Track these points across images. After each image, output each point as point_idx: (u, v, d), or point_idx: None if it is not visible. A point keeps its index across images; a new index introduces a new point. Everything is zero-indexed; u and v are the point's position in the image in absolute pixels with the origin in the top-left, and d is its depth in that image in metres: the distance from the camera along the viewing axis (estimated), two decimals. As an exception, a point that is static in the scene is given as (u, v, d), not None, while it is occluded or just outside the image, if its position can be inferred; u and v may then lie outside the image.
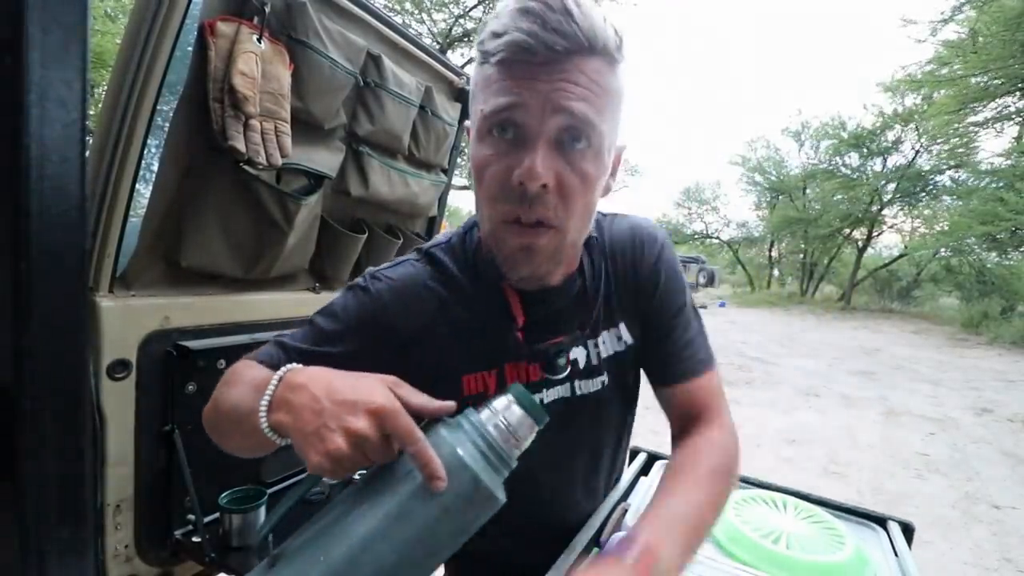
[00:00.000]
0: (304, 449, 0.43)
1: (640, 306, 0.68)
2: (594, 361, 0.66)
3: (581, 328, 0.64)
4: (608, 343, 0.67)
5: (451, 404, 0.47)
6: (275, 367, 0.55)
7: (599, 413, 0.69)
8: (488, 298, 0.63)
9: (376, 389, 0.44)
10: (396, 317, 0.61)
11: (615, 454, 0.79)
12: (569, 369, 0.64)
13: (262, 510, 1.06)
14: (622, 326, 0.67)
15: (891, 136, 16.81)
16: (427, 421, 0.47)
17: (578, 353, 0.65)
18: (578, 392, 0.66)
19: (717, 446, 0.63)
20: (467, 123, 0.59)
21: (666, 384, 0.67)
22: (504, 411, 0.47)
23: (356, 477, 0.47)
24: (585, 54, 0.48)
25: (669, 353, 0.67)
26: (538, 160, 0.49)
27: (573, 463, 0.71)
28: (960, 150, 14.22)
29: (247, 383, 0.54)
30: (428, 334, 0.61)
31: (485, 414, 0.47)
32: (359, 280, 0.64)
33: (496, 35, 0.48)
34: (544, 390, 0.64)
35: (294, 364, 0.50)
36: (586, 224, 0.57)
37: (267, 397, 0.47)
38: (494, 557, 0.76)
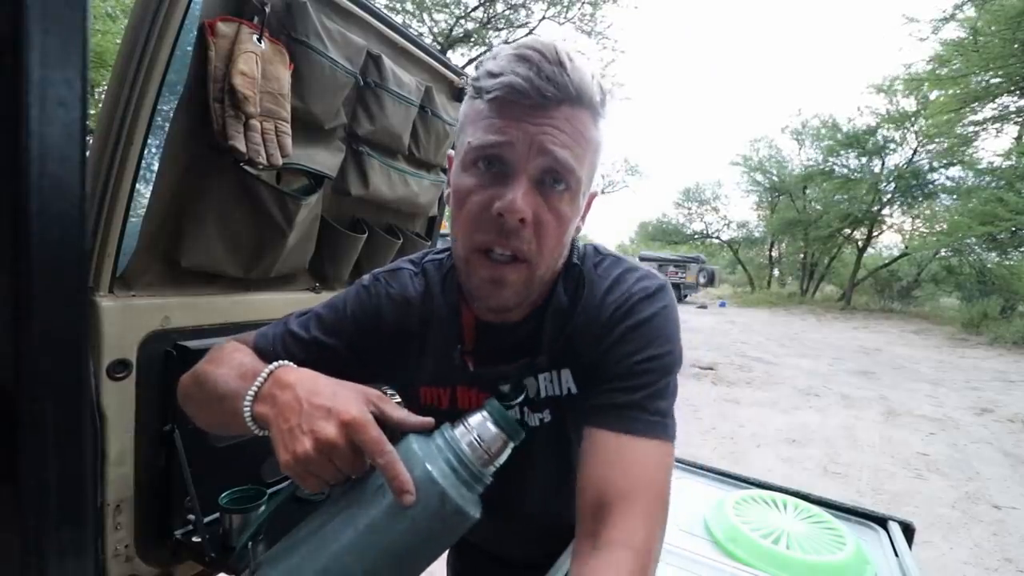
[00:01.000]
0: (276, 446, 0.46)
1: (593, 354, 0.60)
2: (540, 394, 0.64)
3: (530, 357, 0.62)
4: (554, 383, 0.64)
5: (429, 420, 0.49)
6: (269, 351, 0.63)
7: (550, 445, 0.66)
8: (448, 319, 0.66)
9: (352, 400, 0.46)
10: (384, 323, 0.65)
11: (549, 505, 0.72)
12: (520, 397, 0.64)
13: (262, 510, 1.06)
14: (567, 373, 0.63)
15: (887, 136, 16.80)
16: (404, 436, 0.48)
17: (529, 383, 0.64)
18: (529, 423, 0.65)
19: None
20: (450, 152, 0.62)
21: (583, 428, 0.57)
22: (478, 427, 0.48)
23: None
24: (573, 104, 0.52)
25: (598, 395, 0.58)
26: (519, 195, 0.51)
27: (525, 493, 0.69)
28: (963, 148, 14.21)
29: (235, 367, 0.57)
30: (403, 343, 0.66)
31: (459, 430, 0.48)
32: (364, 279, 0.70)
33: (492, 75, 0.51)
34: None
35: (286, 361, 0.53)
36: (556, 261, 0.58)
37: (255, 387, 0.50)
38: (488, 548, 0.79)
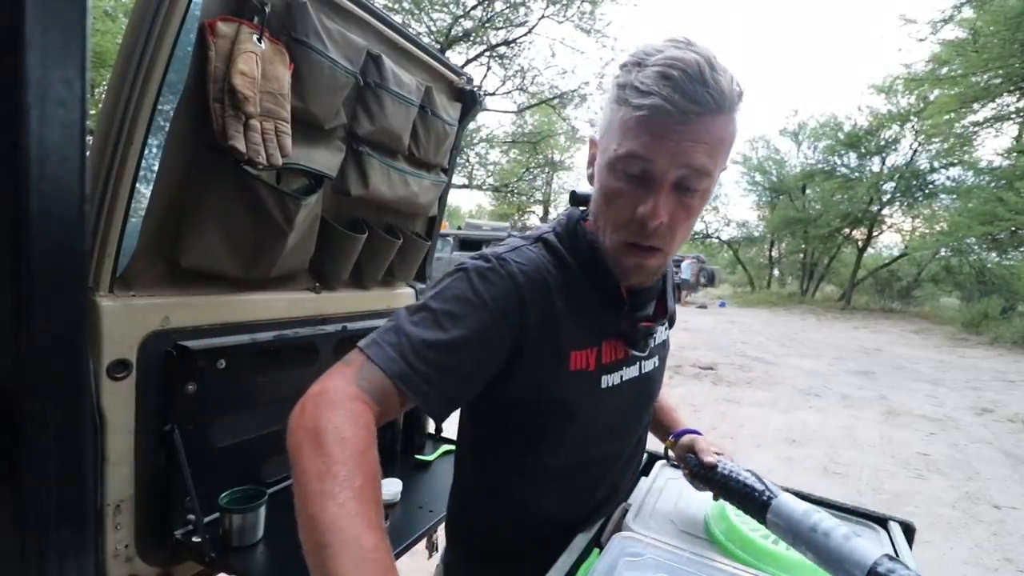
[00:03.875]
0: None
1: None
2: (652, 344, 0.77)
3: (662, 316, 0.76)
4: (660, 331, 0.79)
5: None
6: (395, 368, 0.55)
7: (652, 391, 0.82)
8: (600, 283, 0.70)
9: None
10: (527, 298, 0.63)
11: (643, 442, 0.89)
12: (648, 350, 0.76)
13: (262, 510, 1.06)
14: (665, 323, 0.81)
15: (887, 136, 16.80)
16: None
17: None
18: (643, 371, 0.78)
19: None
20: (593, 135, 0.69)
21: None
22: None
23: None
24: (713, 114, 0.56)
25: None
26: (660, 204, 0.59)
27: (627, 445, 0.82)
28: (963, 148, 14.21)
29: (360, 520, 0.44)
30: (548, 314, 0.65)
31: None
32: (480, 263, 0.64)
33: (640, 92, 0.56)
34: (624, 368, 0.74)
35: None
36: (682, 244, 0.69)
37: None
38: (521, 520, 0.78)
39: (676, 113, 0.55)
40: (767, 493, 0.66)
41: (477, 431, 0.78)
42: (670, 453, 0.89)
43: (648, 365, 0.79)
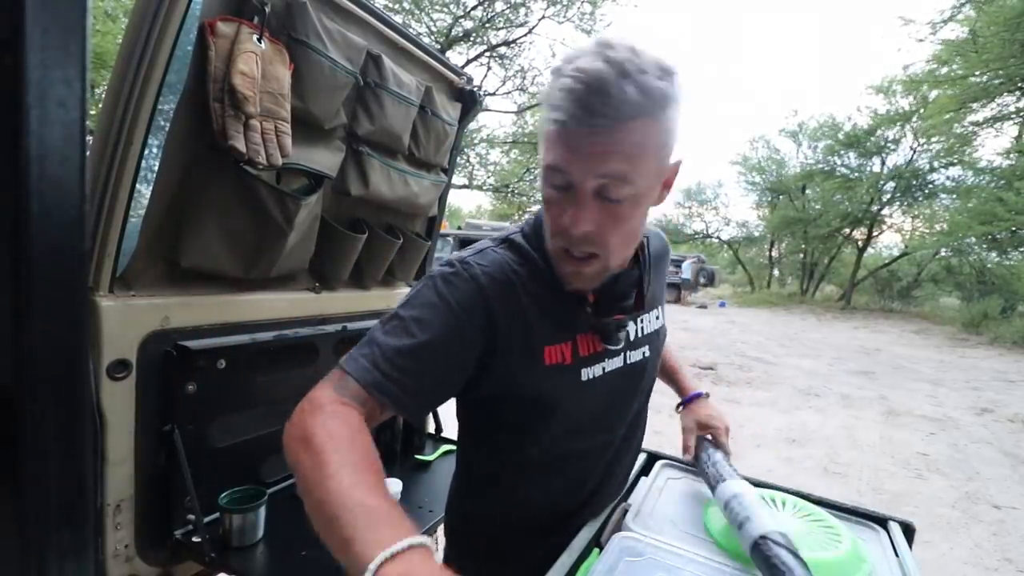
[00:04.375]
0: None
1: (663, 291, 0.88)
2: (640, 334, 0.79)
3: (637, 307, 0.75)
4: (650, 321, 0.81)
5: None
6: (368, 377, 0.58)
7: (641, 382, 0.81)
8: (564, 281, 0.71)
9: None
10: (492, 298, 0.65)
11: (638, 430, 0.89)
12: (623, 342, 0.76)
13: (262, 510, 1.06)
14: (658, 308, 0.85)
15: (888, 136, 16.79)
16: None
17: (630, 327, 0.77)
18: (629, 361, 0.78)
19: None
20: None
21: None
22: None
23: None
24: (623, 122, 0.55)
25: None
26: (580, 214, 0.60)
27: (616, 436, 0.82)
28: (963, 148, 14.21)
29: (357, 494, 0.46)
30: (516, 313, 0.67)
31: None
32: (445, 269, 0.67)
33: (552, 105, 0.57)
34: (607, 359, 0.74)
35: (425, 540, 0.45)
36: (628, 247, 0.67)
37: (384, 556, 0.41)
38: (517, 514, 0.80)
39: (583, 125, 0.55)
40: (716, 479, 0.78)
41: (468, 425, 0.81)
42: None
43: (635, 355, 0.79)
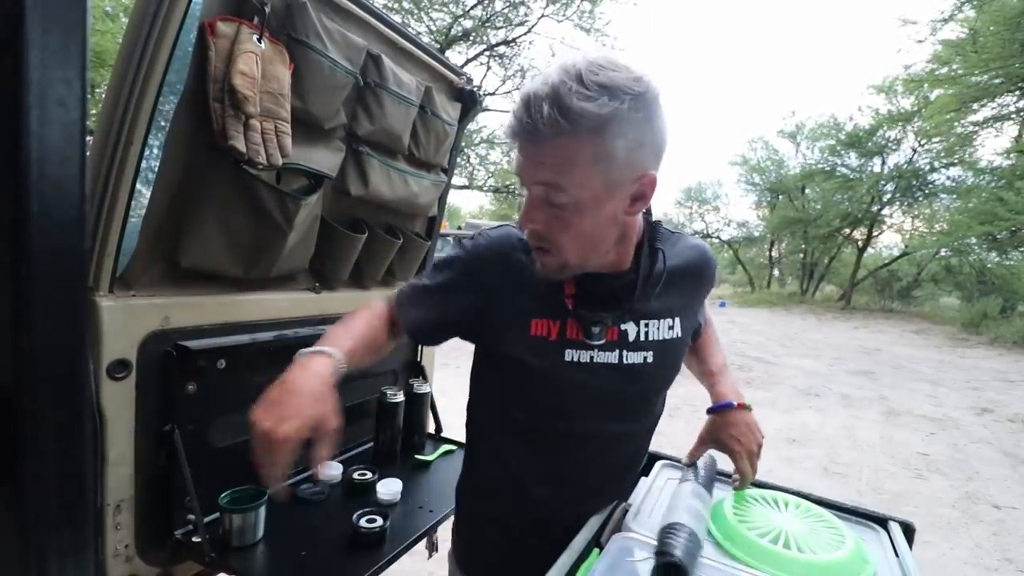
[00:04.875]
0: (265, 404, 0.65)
1: (693, 305, 0.87)
2: (642, 338, 0.80)
3: (627, 310, 0.77)
4: (660, 328, 0.81)
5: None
6: (394, 298, 0.84)
7: (639, 385, 0.81)
8: None
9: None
10: (492, 261, 0.78)
11: (637, 435, 0.89)
12: (606, 339, 0.77)
13: (262, 510, 1.06)
14: (677, 320, 0.83)
15: (888, 136, 16.79)
16: None
17: (629, 328, 0.79)
18: (625, 361, 0.79)
19: (713, 329, 1.01)
20: None
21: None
22: None
23: None
24: (550, 138, 0.62)
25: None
26: (528, 211, 0.69)
27: (603, 434, 0.82)
28: (963, 148, 14.20)
29: (341, 325, 0.79)
30: (508, 283, 0.77)
31: None
32: (467, 239, 0.83)
33: (512, 113, 0.65)
34: (595, 351, 0.77)
35: (328, 349, 0.72)
36: (586, 250, 0.71)
37: (300, 353, 0.73)
38: (520, 512, 0.85)
39: (524, 134, 0.64)
40: (685, 476, 0.84)
41: (472, 389, 0.90)
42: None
43: (634, 357, 0.79)
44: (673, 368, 0.85)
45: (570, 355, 0.76)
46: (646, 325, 0.80)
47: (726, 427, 0.87)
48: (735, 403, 0.87)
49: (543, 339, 0.76)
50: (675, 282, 0.81)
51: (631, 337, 0.78)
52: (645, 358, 0.80)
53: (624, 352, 0.78)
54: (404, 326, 0.82)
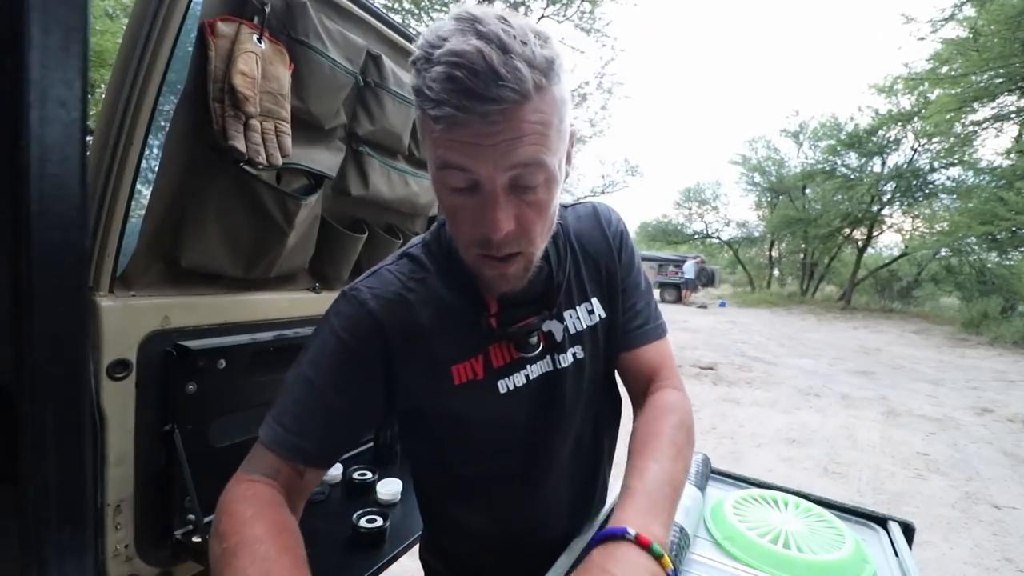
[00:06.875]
0: None
1: (606, 278, 0.75)
2: (571, 331, 0.71)
3: (548, 308, 0.69)
4: (581, 317, 0.72)
5: None
6: (271, 436, 0.58)
7: (579, 384, 0.72)
8: (464, 291, 0.67)
9: None
10: (383, 320, 0.62)
11: (598, 455, 0.81)
12: (542, 345, 0.69)
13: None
14: (594, 301, 0.74)
15: (889, 136, 16.79)
16: None
17: (554, 327, 0.70)
18: (559, 365, 0.70)
19: (673, 405, 0.70)
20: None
21: (622, 351, 0.76)
22: None
23: None
24: (521, 102, 0.49)
25: (626, 321, 0.76)
26: (499, 215, 0.53)
27: (556, 449, 0.73)
28: (963, 147, 14.20)
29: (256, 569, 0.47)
30: (414, 333, 0.63)
31: None
32: (338, 301, 0.64)
33: (432, 100, 0.48)
34: (528, 366, 0.68)
35: None
36: (547, 235, 0.61)
37: None
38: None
39: (475, 118, 0.48)
40: None
41: (410, 457, 0.79)
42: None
43: (566, 358, 0.70)
44: (608, 352, 0.75)
45: (503, 386, 0.67)
46: (569, 318, 0.71)
47: (597, 567, 0.50)
48: (624, 531, 0.51)
49: (470, 383, 0.65)
50: (579, 258, 0.73)
51: (558, 337, 0.70)
52: (575, 355, 0.71)
53: (556, 356, 0.70)
54: (319, 466, 0.61)
